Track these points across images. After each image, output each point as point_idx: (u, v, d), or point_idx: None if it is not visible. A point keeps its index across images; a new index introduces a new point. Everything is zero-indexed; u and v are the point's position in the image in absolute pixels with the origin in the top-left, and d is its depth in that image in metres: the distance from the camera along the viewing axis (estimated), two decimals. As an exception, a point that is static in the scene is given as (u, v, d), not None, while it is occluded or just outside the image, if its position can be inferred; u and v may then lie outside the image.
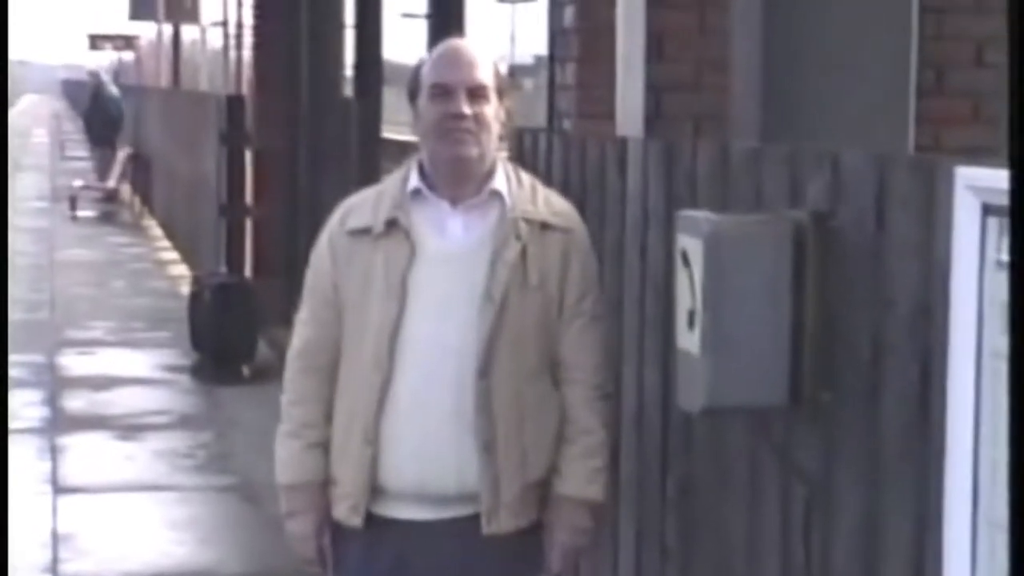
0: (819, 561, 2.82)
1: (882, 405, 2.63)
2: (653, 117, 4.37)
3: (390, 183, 3.27)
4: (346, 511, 3.22)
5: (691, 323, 2.83)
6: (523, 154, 4.40)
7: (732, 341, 2.77)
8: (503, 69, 3.34)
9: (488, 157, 3.20)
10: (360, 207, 3.27)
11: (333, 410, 3.24)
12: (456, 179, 3.19)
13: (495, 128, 3.20)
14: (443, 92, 3.15)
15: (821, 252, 2.77)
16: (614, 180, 3.81)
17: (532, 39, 5.95)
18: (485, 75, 3.18)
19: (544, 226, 3.21)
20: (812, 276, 2.77)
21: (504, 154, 3.53)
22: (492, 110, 3.18)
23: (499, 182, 3.22)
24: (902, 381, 2.57)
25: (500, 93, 3.21)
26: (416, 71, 3.24)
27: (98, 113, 21.02)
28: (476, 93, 3.15)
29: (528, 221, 3.19)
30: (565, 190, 3.89)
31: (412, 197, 3.20)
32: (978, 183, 2.15)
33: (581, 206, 3.83)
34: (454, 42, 3.31)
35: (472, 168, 3.18)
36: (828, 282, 2.76)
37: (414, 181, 3.21)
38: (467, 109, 3.13)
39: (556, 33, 4.89)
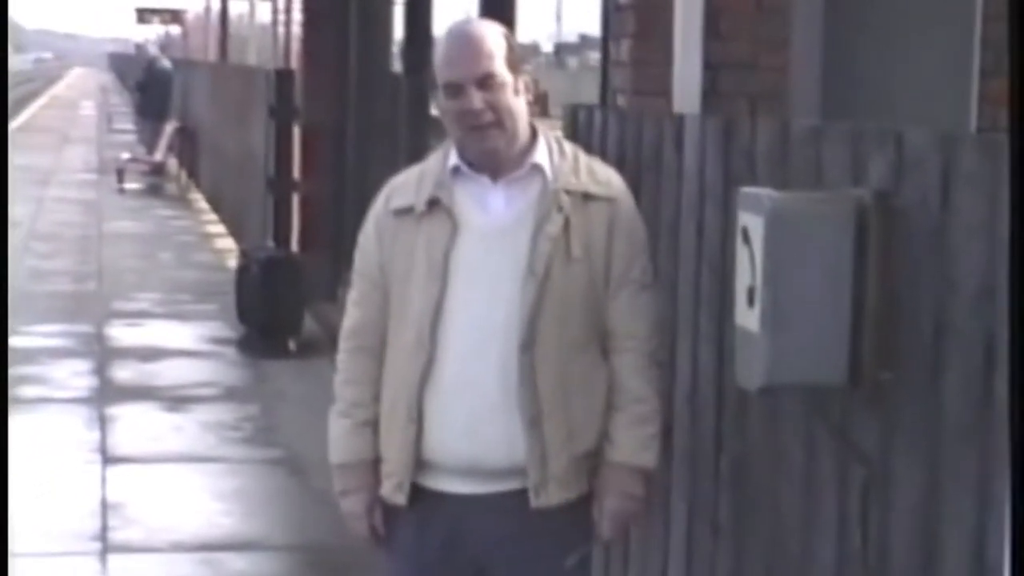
0: (876, 543, 2.80)
1: (944, 386, 2.61)
2: (709, 95, 4.34)
3: (431, 162, 3.26)
4: (392, 488, 3.23)
5: (751, 300, 2.82)
6: (577, 130, 4.39)
7: (792, 319, 2.76)
8: (515, 40, 3.26)
9: (518, 136, 3.17)
10: (403, 187, 3.26)
11: (380, 389, 3.24)
12: (490, 163, 3.18)
13: (518, 106, 3.15)
14: (454, 90, 3.11)
15: (884, 231, 2.74)
16: (670, 157, 3.79)
17: (578, 17, 5.93)
18: (492, 61, 3.10)
19: (587, 197, 3.19)
20: (874, 255, 2.75)
21: (557, 132, 3.50)
22: (509, 90, 3.13)
23: (540, 155, 3.19)
24: (965, 363, 2.54)
25: (514, 67, 3.15)
26: (433, 60, 3.20)
27: (152, 86, 21.10)
28: (487, 82, 3.10)
29: (570, 193, 3.17)
30: (620, 167, 3.87)
31: (453, 175, 3.19)
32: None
33: (636, 183, 3.82)
34: (456, 30, 3.21)
35: (502, 155, 3.16)
36: (890, 261, 2.74)
37: (454, 159, 3.20)
38: (479, 103, 3.09)
39: (611, 9, 4.87)
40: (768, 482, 3.27)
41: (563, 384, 3.15)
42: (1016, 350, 2.06)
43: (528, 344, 3.11)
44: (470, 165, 3.19)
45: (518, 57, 3.19)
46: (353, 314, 3.30)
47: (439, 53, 3.16)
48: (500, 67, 3.11)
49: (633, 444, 3.24)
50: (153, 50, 21.96)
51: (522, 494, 3.17)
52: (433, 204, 3.17)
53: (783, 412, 3.18)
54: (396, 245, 3.21)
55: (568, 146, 3.29)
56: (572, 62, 6.65)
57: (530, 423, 3.13)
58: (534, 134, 3.22)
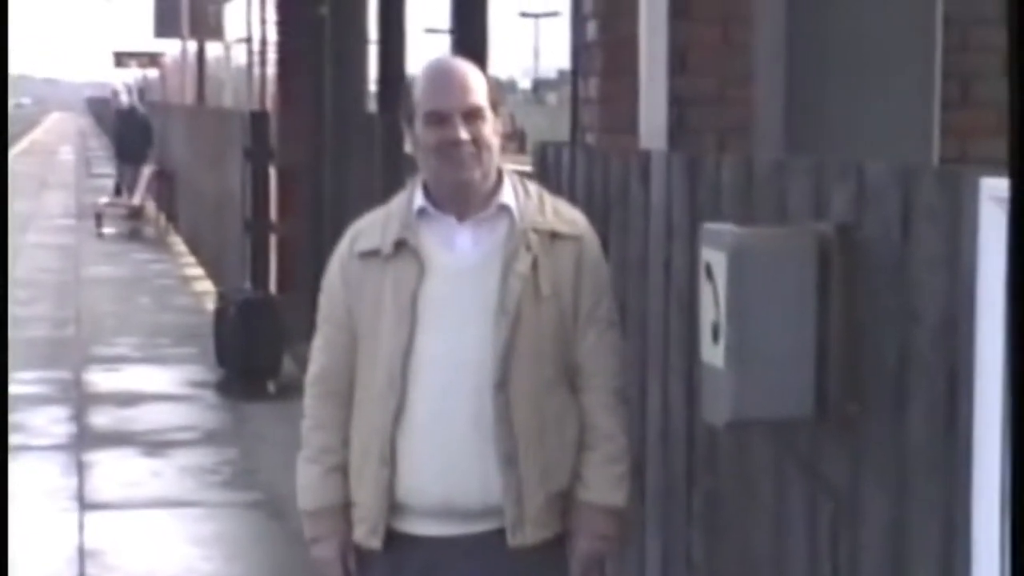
0: (846, 574, 2.81)
1: (909, 418, 2.62)
2: (676, 131, 4.36)
3: (396, 204, 3.27)
4: (365, 533, 3.22)
5: (715, 336, 2.83)
6: (546, 168, 4.41)
7: (757, 354, 2.77)
8: (495, 80, 3.31)
9: (491, 174, 3.19)
10: (369, 230, 3.27)
11: (350, 433, 3.24)
12: (460, 199, 3.19)
13: (495, 143, 3.19)
14: (438, 119, 3.13)
15: (846, 264, 2.76)
16: (638, 193, 3.81)
17: (556, 53, 5.95)
18: (478, 95, 3.15)
19: (554, 236, 3.20)
20: (837, 288, 2.76)
21: (517, 167, 3.51)
22: (489, 127, 3.16)
23: (506, 195, 3.21)
24: (929, 393, 2.55)
25: (495, 106, 3.19)
26: (407, 93, 3.22)
27: (130, 130, 21.15)
28: (472, 115, 3.13)
29: (537, 232, 3.18)
30: (589, 204, 3.89)
31: (419, 216, 3.20)
32: (1003, 194, 2.14)
33: (605, 220, 3.83)
34: (443, 64, 3.28)
35: (475, 189, 3.18)
36: (853, 294, 2.75)
37: (419, 200, 3.21)
38: (464, 134, 3.12)
39: (580, 47, 4.89)
40: (739, 517, 3.27)
41: (538, 422, 3.15)
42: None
43: (503, 382, 3.11)
44: (436, 206, 3.20)
45: (497, 97, 3.22)
46: (319, 359, 3.30)
47: (422, 84, 3.19)
48: (485, 103, 3.16)
49: (604, 483, 3.23)
50: (124, 99, 21.99)
51: (497, 535, 3.17)
52: (399, 246, 3.18)
53: (752, 447, 3.18)
54: (363, 288, 3.21)
55: (532, 186, 3.30)
56: (551, 98, 6.67)
57: (506, 461, 3.12)
58: (499, 175, 3.24)
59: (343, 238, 3.31)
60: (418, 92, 3.18)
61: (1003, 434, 2.26)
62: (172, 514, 6.85)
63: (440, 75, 3.20)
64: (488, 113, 3.16)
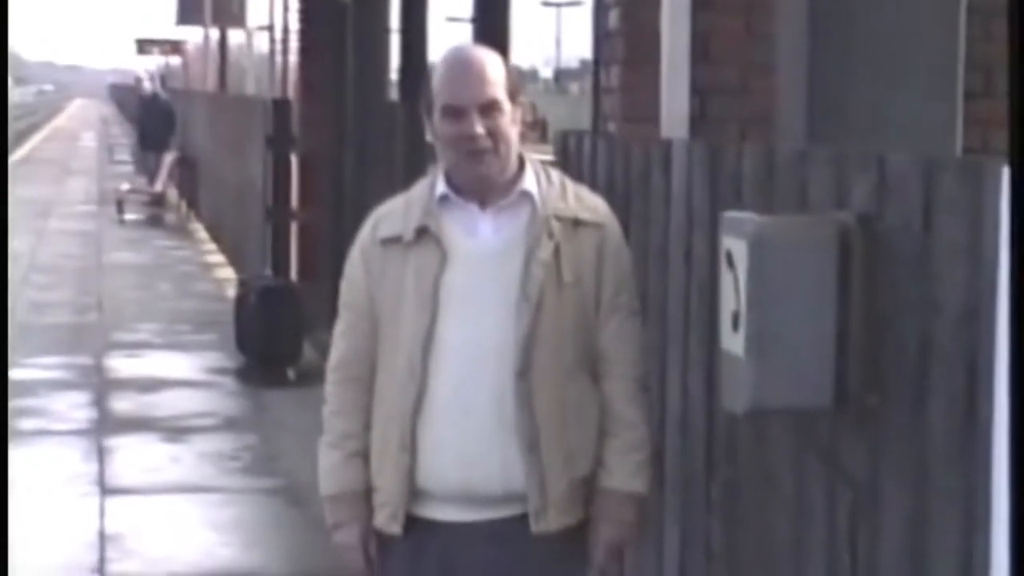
0: (865, 565, 2.81)
1: (929, 408, 2.61)
2: (698, 120, 4.36)
3: (417, 190, 3.27)
4: (386, 518, 3.23)
5: (735, 325, 2.83)
6: (568, 157, 4.41)
7: (777, 343, 2.76)
8: (515, 68, 3.29)
9: (509, 164, 3.18)
10: (389, 216, 3.27)
11: (371, 419, 3.25)
12: (479, 190, 3.19)
13: (513, 134, 3.17)
14: (454, 112, 3.12)
15: (867, 254, 2.75)
16: (658, 182, 3.81)
17: (578, 42, 5.95)
18: (496, 88, 3.13)
19: (576, 223, 3.20)
20: (858, 278, 2.76)
21: (539, 157, 3.51)
22: (507, 118, 3.15)
23: (528, 182, 3.21)
24: (949, 384, 2.55)
25: (513, 95, 3.18)
26: (427, 82, 3.20)
27: (153, 117, 21.21)
28: (488, 108, 3.12)
29: (560, 219, 3.18)
30: (610, 193, 3.89)
31: (440, 203, 3.20)
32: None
33: (626, 209, 3.84)
34: (461, 54, 3.24)
35: (493, 180, 3.17)
36: (874, 284, 2.75)
37: (441, 187, 3.21)
38: (480, 129, 3.11)
39: (601, 36, 4.89)
40: (759, 506, 3.27)
41: (560, 409, 3.16)
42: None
43: (525, 370, 3.12)
44: (458, 192, 3.20)
45: (516, 86, 3.21)
46: (340, 345, 3.32)
47: (440, 76, 3.17)
48: (502, 95, 3.14)
49: (626, 470, 3.24)
50: (148, 86, 22.03)
51: (517, 520, 3.17)
52: (421, 232, 3.18)
53: (772, 436, 3.18)
54: (385, 274, 3.22)
55: (555, 173, 3.30)
56: (573, 87, 6.66)
57: (528, 448, 3.13)
58: (521, 162, 3.23)
59: (364, 224, 3.31)
60: (436, 83, 3.17)
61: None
62: (192, 500, 6.88)
63: (457, 67, 3.18)
64: (506, 105, 3.14)
